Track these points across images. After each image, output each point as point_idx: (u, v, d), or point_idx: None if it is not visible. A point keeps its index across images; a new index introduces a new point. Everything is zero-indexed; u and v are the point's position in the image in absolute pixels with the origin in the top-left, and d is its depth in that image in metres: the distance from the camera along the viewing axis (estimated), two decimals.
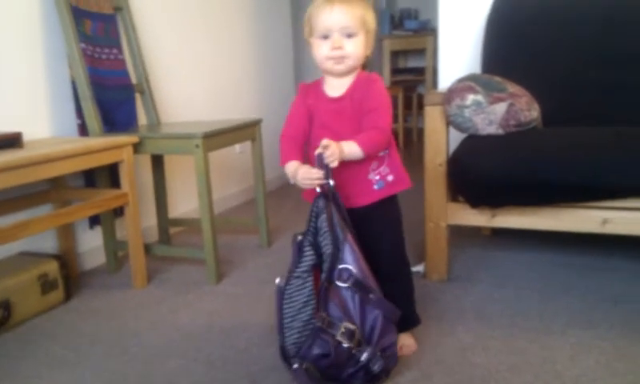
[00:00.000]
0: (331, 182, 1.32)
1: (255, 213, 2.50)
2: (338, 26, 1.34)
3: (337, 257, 1.29)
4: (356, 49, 1.36)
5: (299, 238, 1.37)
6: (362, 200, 1.42)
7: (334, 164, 1.29)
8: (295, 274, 1.35)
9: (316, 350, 1.25)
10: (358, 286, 1.28)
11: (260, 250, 2.43)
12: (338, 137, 1.33)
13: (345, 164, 1.33)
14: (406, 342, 1.49)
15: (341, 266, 1.28)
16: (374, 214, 1.43)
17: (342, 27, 1.34)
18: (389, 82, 5.46)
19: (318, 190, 1.35)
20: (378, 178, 1.42)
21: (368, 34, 1.38)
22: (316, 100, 1.44)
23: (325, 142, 1.29)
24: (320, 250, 1.34)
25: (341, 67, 1.38)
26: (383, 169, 1.42)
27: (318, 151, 1.31)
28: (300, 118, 1.45)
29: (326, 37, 1.36)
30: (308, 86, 1.48)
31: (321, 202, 1.34)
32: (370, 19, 1.38)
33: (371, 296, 1.29)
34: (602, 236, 1.75)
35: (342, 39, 1.35)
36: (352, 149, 1.32)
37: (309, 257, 1.35)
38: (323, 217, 1.33)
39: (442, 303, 1.78)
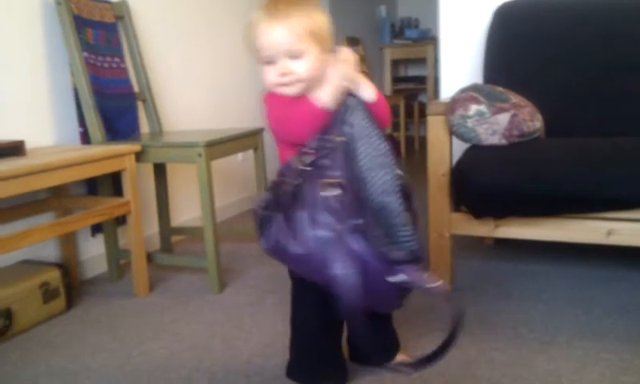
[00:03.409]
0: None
1: None
2: (282, 50, 1.17)
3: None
4: (308, 69, 1.19)
5: None
6: None
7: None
8: None
9: None
10: None
11: (262, 259, 2.41)
12: None
13: None
14: (404, 359, 1.46)
15: None
16: None
17: (285, 50, 1.17)
18: (390, 90, 5.47)
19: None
20: None
21: (323, 42, 1.20)
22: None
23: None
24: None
25: (293, 90, 1.21)
26: None
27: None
28: None
29: (270, 62, 1.20)
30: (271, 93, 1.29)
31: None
32: (320, 25, 1.20)
33: None
34: (606, 246, 1.74)
35: (288, 64, 1.18)
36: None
37: None
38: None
39: (446, 314, 1.76)
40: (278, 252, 1.17)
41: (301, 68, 1.19)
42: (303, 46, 1.17)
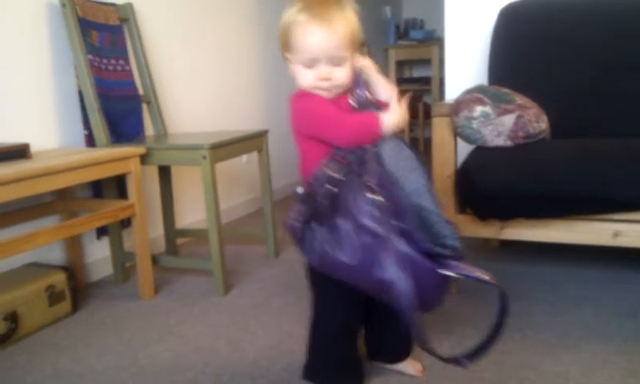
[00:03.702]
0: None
1: (262, 223, 2.49)
2: (325, 55, 1.17)
3: None
4: (346, 75, 1.21)
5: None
6: None
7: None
8: None
9: None
10: None
11: (267, 261, 2.42)
12: None
13: None
14: (413, 364, 1.46)
15: None
16: None
17: (329, 56, 1.18)
18: None
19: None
20: None
21: (356, 47, 1.22)
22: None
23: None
24: None
25: (329, 94, 1.23)
26: None
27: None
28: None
29: (309, 65, 1.20)
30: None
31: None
32: (357, 30, 1.21)
33: None
34: (613, 248, 1.73)
35: (329, 69, 1.19)
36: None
37: None
38: None
39: (452, 316, 1.76)
40: (325, 264, 1.17)
41: (341, 74, 1.20)
42: (345, 53, 1.18)
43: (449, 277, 1.13)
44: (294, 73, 1.25)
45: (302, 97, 1.26)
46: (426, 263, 1.10)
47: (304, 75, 1.22)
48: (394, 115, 1.19)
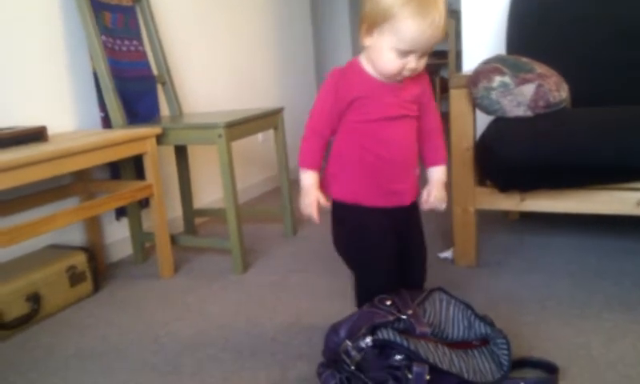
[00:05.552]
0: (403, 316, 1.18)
1: (280, 201, 2.49)
2: (424, 50, 1.17)
3: None
4: (425, 62, 1.22)
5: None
6: (412, 196, 1.35)
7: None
8: None
9: None
10: None
11: (285, 239, 2.42)
12: (399, 127, 1.27)
13: (404, 158, 1.29)
14: None
15: None
16: (415, 211, 1.38)
17: (428, 48, 1.17)
18: None
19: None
20: (417, 172, 1.35)
21: None
22: (367, 87, 1.25)
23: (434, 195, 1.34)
24: None
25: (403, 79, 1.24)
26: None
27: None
28: (334, 114, 1.28)
29: (403, 55, 1.16)
30: (345, 72, 1.27)
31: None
32: None
33: None
34: (634, 217, 1.70)
35: (418, 61, 1.18)
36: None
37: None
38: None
39: (472, 289, 1.75)
40: None
41: (424, 63, 1.21)
42: None
43: None
44: (375, 51, 1.20)
45: (331, 77, 1.28)
46: None
47: (391, 62, 1.18)
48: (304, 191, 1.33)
